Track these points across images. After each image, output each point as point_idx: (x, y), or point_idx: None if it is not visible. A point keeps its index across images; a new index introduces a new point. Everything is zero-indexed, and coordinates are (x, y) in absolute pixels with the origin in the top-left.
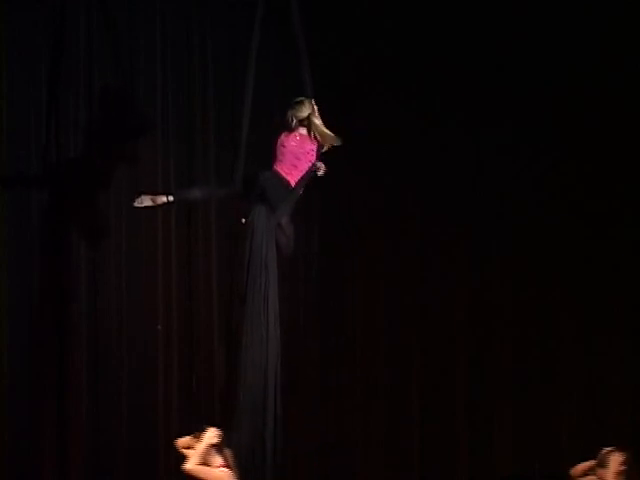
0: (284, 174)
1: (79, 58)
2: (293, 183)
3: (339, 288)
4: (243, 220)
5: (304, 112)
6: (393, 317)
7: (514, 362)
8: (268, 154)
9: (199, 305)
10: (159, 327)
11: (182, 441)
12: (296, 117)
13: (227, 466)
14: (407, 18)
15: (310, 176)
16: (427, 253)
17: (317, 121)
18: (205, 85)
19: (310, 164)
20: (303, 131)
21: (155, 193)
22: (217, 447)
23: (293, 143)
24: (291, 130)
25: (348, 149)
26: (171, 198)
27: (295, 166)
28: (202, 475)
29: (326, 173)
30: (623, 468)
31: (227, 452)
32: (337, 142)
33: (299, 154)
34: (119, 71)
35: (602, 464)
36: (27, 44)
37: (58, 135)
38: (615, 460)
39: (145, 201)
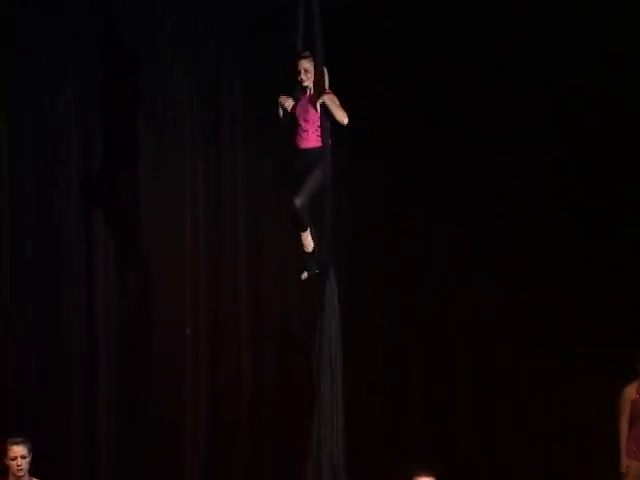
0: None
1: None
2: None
3: (339, 288)
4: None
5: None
6: (393, 317)
7: (514, 362)
8: None
9: (227, 307)
10: (188, 331)
11: None
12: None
13: None
14: (407, 18)
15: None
16: (427, 253)
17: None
18: (232, 82)
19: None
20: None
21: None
22: None
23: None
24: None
25: (348, 149)
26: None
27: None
28: None
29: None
30: None
31: None
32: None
33: (305, 117)
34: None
35: None
36: (35, 45)
37: (84, 135)
38: None
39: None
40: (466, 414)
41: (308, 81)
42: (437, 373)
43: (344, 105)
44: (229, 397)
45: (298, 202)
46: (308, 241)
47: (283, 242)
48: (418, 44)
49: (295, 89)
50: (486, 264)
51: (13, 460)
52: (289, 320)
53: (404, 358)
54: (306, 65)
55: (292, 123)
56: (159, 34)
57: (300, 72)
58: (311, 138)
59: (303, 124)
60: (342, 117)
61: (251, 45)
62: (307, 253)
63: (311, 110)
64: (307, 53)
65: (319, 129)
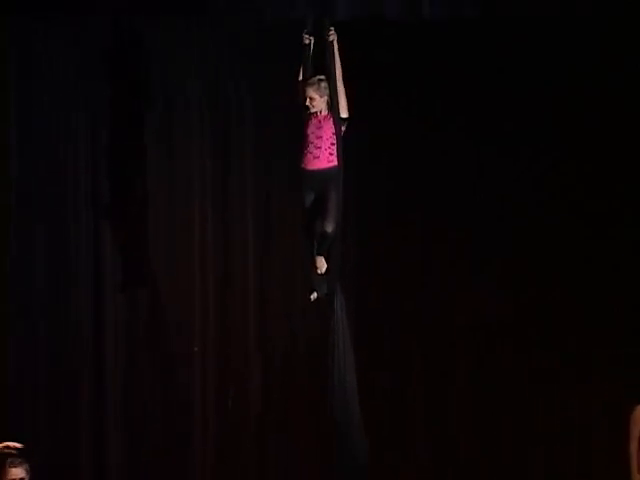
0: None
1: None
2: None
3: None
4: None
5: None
6: (393, 321)
7: (514, 364)
8: None
9: (235, 323)
10: (195, 349)
11: None
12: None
13: None
14: (406, 19)
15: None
16: (427, 257)
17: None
18: (238, 82)
19: (333, 135)
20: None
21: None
22: None
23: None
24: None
25: (347, 153)
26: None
27: (319, 147)
28: None
29: None
30: None
31: None
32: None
33: (318, 134)
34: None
35: None
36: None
37: (92, 137)
38: None
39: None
40: (466, 416)
41: (314, 108)
42: (437, 376)
43: None
44: (237, 405)
45: (330, 229)
46: (323, 263)
47: (292, 251)
48: (417, 47)
49: (303, 113)
50: (486, 267)
51: None
52: (297, 331)
53: (404, 362)
54: (312, 93)
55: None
56: (166, 33)
57: (307, 99)
58: (323, 157)
59: (316, 141)
60: (339, 67)
61: (258, 45)
62: (319, 275)
63: (325, 126)
64: (313, 80)
65: (332, 146)
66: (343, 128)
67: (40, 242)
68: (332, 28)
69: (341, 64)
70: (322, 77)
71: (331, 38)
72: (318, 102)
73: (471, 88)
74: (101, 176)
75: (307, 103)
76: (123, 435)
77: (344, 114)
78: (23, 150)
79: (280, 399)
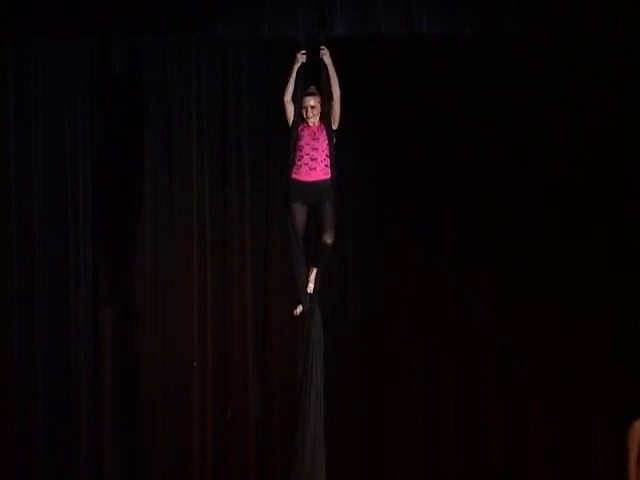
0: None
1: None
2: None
3: (338, 293)
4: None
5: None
6: (393, 329)
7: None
8: None
9: (234, 337)
10: (194, 363)
11: None
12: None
13: None
14: (404, 34)
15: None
16: (427, 258)
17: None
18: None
19: (327, 147)
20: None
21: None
22: None
23: (306, 138)
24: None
25: (344, 165)
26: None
27: (315, 159)
28: None
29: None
30: None
31: None
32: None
33: (314, 145)
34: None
35: None
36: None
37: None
38: None
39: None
40: (466, 417)
41: (314, 117)
42: (437, 380)
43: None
44: (235, 415)
45: (330, 240)
46: (312, 277)
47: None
48: (417, 46)
49: (294, 126)
50: (483, 270)
51: None
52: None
53: (404, 369)
54: (312, 102)
55: (293, 156)
56: (166, 54)
57: (307, 109)
58: (319, 168)
59: (312, 153)
60: (337, 87)
61: (258, 65)
62: (306, 289)
63: (320, 137)
64: (313, 89)
65: (327, 158)
66: (334, 140)
67: (40, 242)
68: (324, 46)
69: (338, 78)
70: (315, 88)
71: (322, 55)
72: (317, 110)
73: (467, 102)
74: (99, 194)
75: (308, 113)
76: (121, 441)
77: (335, 126)
78: (23, 150)
79: (279, 408)
